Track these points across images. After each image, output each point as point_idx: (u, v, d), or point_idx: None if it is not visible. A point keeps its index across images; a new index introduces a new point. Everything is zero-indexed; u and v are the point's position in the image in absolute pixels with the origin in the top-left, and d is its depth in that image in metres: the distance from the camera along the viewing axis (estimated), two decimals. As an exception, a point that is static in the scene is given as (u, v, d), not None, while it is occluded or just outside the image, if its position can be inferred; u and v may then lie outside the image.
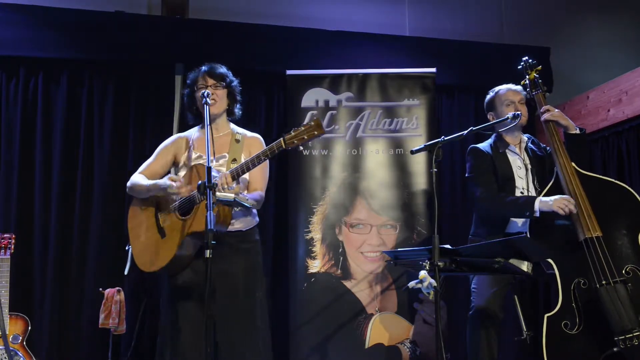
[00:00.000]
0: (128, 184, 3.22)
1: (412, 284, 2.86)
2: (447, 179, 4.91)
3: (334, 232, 4.30)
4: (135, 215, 3.20)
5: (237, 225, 3.11)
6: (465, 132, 3.06)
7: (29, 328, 3.79)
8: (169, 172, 3.29)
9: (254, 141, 3.27)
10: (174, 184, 2.97)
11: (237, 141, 3.19)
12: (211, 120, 3.08)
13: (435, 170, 2.93)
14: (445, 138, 3.02)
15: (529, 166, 3.50)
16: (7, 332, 3.63)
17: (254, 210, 3.19)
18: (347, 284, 4.24)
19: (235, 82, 3.30)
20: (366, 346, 4.16)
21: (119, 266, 3.54)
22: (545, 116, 3.40)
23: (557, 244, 3.20)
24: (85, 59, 4.51)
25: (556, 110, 3.43)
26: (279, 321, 4.36)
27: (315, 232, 4.30)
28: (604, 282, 3.02)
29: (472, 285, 3.43)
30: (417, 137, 4.43)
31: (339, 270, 4.26)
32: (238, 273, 3.08)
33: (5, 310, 3.64)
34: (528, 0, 5.43)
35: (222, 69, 3.27)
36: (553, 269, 3.13)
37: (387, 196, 4.36)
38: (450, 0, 5.31)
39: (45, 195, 4.35)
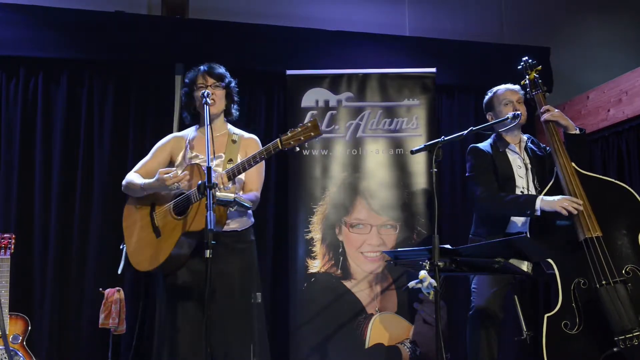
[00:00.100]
0: (123, 182, 3.20)
1: (412, 284, 2.86)
2: (447, 179, 4.91)
3: (334, 232, 4.30)
4: (130, 214, 3.19)
5: (232, 225, 3.10)
6: (465, 132, 3.06)
7: (29, 328, 3.79)
8: None
9: (250, 142, 3.27)
10: (169, 175, 2.92)
11: (234, 141, 3.18)
12: (209, 120, 3.07)
13: (435, 170, 2.93)
14: (445, 138, 3.02)
15: (529, 166, 3.50)
16: (7, 332, 3.63)
17: (249, 211, 3.19)
18: (347, 284, 4.24)
19: (234, 83, 3.30)
20: (366, 346, 4.16)
21: (119, 266, 3.54)
22: (545, 116, 3.40)
23: (557, 244, 3.20)
24: (85, 59, 4.51)
25: (556, 110, 3.43)
26: (279, 321, 4.37)
27: (315, 232, 4.30)
28: (604, 282, 3.02)
29: (472, 285, 3.43)
30: (417, 137, 4.43)
31: (339, 270, 4.26)
32: (234, 273, 3.07)
33: (5, 310, 3.64)
34: (528, 0, 5.43)
35: (221, 69, 3.26)
36: (553, 269, 3.13)
37: (387, 196, 4.36)
38: (450, 0, 5.31)
39: (45, 195, 4.35)
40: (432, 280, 2.75)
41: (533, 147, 3.57)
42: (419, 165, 4.38)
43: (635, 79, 4.36)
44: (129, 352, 4.15)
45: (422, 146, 3.08)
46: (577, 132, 3.40)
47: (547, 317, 3.06)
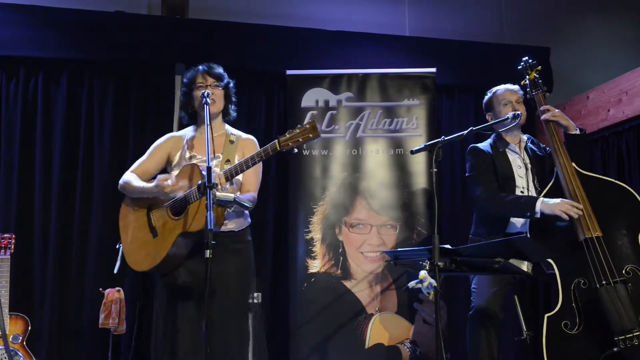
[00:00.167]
0: (120, 181, 3.19)
1: (412, 284, 2.86)
2: (447, 179, 4.91)
3: (334, 232, 4.30)
4: (126, 214, 3.19)
5: (229, 225, 3.09)
6: (465, 132, 3.06)
7: (29, 328, 3.79)
8: (161, 172, 3.26)
9: (248, 142, 3.26)
10: (168, 182, 2.93)
11: (232, 142, 3.17)
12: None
13: (435, 170, 2.93)
14: (445, 138, 3.02)
15: (529, 165, 3.50)
16: (7, 332, 3.63)
17: (246, 212, 3.19)
18: (347, 284, 4.24)
19: (232, 83, 3.29)
20: (366, 346, 4.16)
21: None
22: (545, 116, 3.40)
23: (557, 244, 3.19)
24: (85, 59, 4.51)
25: (556, 110, 3.43)
26: (279, 321, 4.37)
27: (315, 232, 4.30)
28: (604, 282, 3.02)
29: (472, 285, 3.43)
30: (417, 137, 4.43)
31: (339, 270, 4.26)
32: (231, 273, 3.07)
33: (5, 310, 3.64)
34: (528, 0, 5.43)
35: (220, 69, 3.25)
36: (553, 269, 3.13)
37: (387, 196, 4.36)
38: (450, 0, 5.31)
39: (45, 195, 4.35)
40: (432, 280, 2.75)
41: (533, 147, 3.56)
42: (419, 165, 4.38)
43: (635, 79, 4.36)
44: (129, 352, 4.15)
45: (422, 146, 3.08)
46: (578, 132, 3.40)
47: (547, 317, 3.06)
